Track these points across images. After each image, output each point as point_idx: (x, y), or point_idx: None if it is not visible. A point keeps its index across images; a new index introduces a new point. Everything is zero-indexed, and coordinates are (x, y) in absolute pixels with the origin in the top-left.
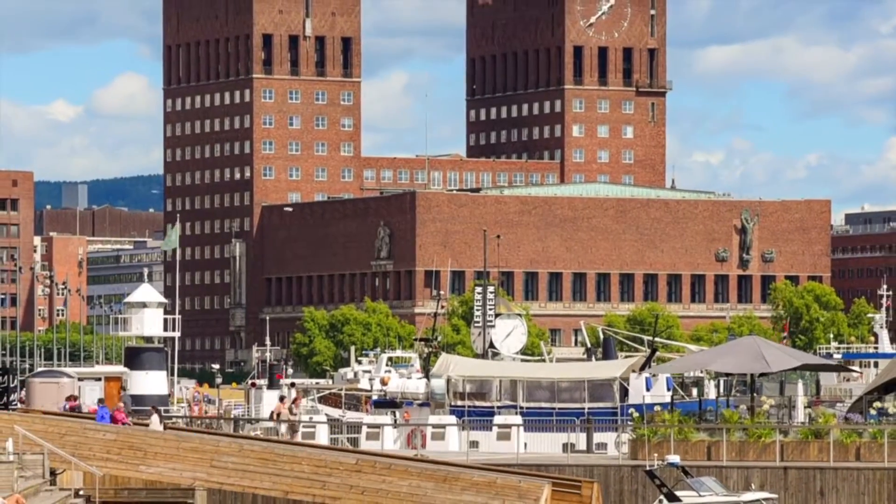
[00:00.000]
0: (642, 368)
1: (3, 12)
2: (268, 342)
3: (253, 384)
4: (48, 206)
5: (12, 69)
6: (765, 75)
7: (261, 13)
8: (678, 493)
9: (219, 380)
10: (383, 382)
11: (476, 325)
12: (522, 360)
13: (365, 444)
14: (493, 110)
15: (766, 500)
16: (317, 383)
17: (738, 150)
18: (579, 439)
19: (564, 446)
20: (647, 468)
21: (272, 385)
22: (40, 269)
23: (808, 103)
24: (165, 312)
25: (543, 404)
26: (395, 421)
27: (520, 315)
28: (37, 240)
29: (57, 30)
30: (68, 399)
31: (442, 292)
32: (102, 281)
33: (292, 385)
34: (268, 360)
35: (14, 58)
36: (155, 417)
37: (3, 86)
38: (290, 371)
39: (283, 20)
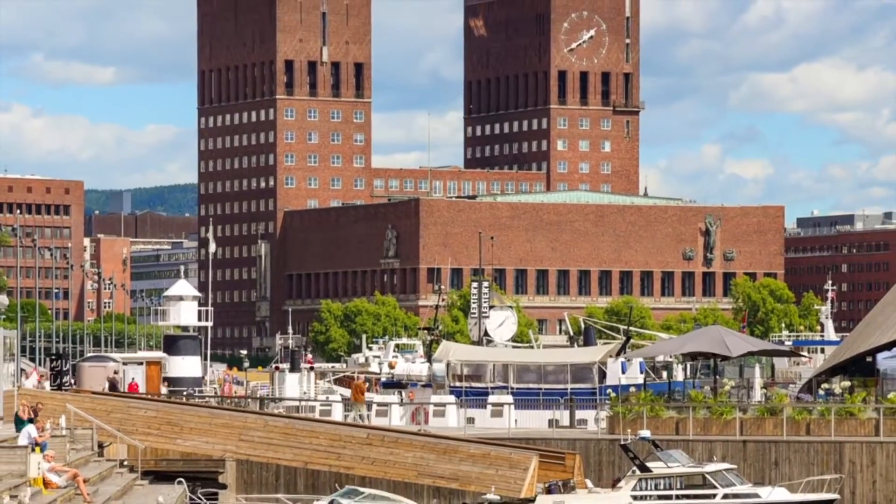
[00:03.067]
0: (618, 354)
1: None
2: (290, 331)
3: (277, 368)
4: (96, 212)
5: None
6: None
7: (283, 42)
8: (650, 465)
9: (246, 364)
10: (391, 366)
11: (472, 315)
12: (513, 347)
13: (375, 421)
14: (488, 127)
15: (727, 470)
16: (333, 367)
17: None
18: (563, 416)
19: (550, 422)
20: (623, 442)
21: (294, 368)
22: (90, 266)
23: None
24: (199, 304)
25: (531, 385)
26: (402, 400)
27: (511, 307)
28: (86, 241)
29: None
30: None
31: (442, 287)
32: (144, 277)
33: (311, 368)
34: (290, 347)
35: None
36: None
37: (77, 107)
38: (311, 356)
39: (303, 48)
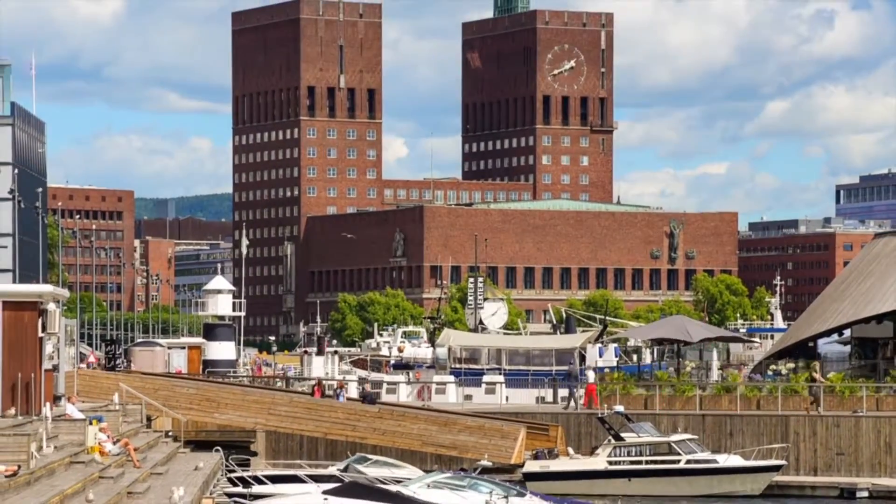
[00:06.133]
0: (595, 340)
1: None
2: (318, 320)
3: (305, 352)
4: (145, 217)
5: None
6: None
7: (306, 70)
8: (623, 435)
9: (274, 348)
10: (399, 350)
11: (470, 306)
12: (504, 334)
13: (385, 397)
14: (482, 144)
15: (689, 439)
16: (349, 351)
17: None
18: (548, 394)
19: (536, 399)
20: (599, 416)
21: (320, 352)
22: (139, 264)
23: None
24: (234, 297)
25: (520, 367)
26: (408, 379)
27: (502, 299)
28: (136, 242)
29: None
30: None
31: (443, 282)
32: (186, 273)
33: (335, 353)
34: (315, 334)
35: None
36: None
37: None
38: (335, 341)
39: (323, 76)
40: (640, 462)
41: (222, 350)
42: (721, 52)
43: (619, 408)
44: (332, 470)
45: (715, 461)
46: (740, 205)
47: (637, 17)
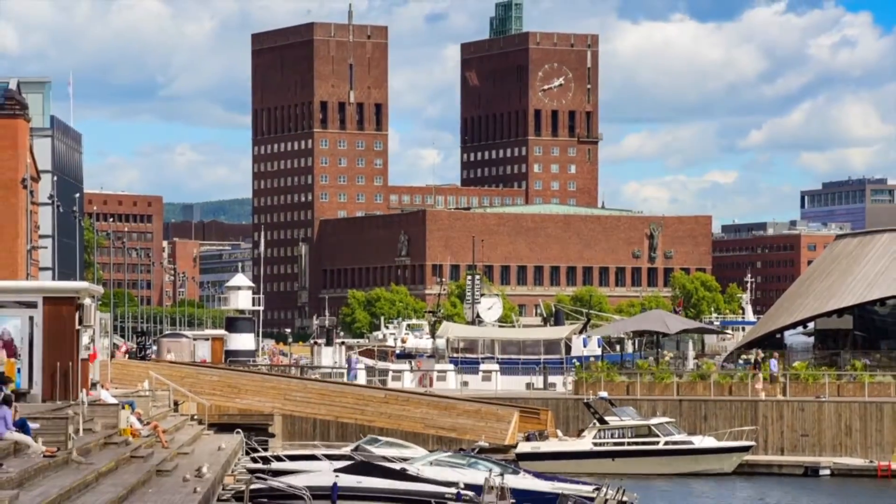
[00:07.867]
0: (581, 331)
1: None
2: (327, 313)
3: (316, 343)
4: (173, 220)
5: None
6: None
7: (319, 87)
8: (607, 419)
9: (290, 340)
10: (403, 341)
11: (467, 301)
12: (499, 326)
13: (391, 384)
14: (480, 153)
15: (667, 423)
16: (358, 342)
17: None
18: (538, 380)
19: (527, 385)
20: (585, 400)
21: (329, 343)
22: (167, 263)
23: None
24: (253, 293)
25: (513, 356)
26: (412, 368)
27: (497, 295)
28: (165, 243)
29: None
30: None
31: (444, 279)
32: (210, 271)
33: (342, 343)
34: (325, 326)
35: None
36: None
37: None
38: (343, 333)
39: (335, 91)
40: (622, 443)
41: (243, 341)
42: (732, 71)
43: (604, 394)
44: (346, 450)
45: (691, 442)
46: (740, 208)
47: (659, 37)
